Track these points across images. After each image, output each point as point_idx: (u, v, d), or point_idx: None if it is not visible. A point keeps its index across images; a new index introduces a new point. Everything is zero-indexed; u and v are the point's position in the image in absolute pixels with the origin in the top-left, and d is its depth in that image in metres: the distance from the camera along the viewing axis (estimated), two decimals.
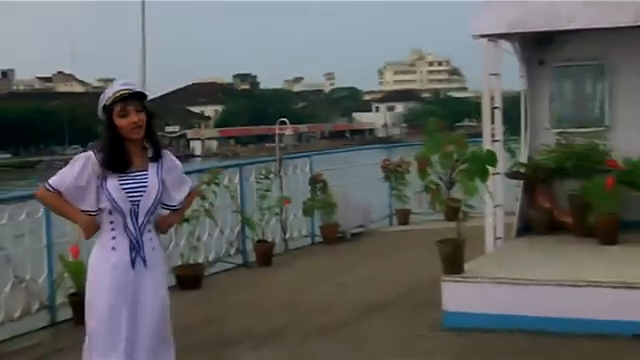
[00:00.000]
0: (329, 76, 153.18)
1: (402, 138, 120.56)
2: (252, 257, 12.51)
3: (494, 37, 9.51)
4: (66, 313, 9.64)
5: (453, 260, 7.94)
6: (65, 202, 4.96)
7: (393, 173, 15.37)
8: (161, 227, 5.19)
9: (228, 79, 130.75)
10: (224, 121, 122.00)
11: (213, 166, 12.53)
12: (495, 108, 9.85)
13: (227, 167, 12.63)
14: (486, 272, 8.07)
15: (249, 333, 8.58)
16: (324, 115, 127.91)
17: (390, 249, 13.06)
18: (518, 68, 10.54)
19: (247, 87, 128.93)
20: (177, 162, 5.17)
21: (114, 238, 4.95)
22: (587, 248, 9.06)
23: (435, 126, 7.86)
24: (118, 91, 4.87)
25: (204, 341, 8.40)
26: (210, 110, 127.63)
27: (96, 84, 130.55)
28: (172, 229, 11.19)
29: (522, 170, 10.30)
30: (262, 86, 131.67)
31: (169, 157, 5.11)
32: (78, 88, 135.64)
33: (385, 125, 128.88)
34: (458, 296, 7.92)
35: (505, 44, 10.23)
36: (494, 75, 9.75)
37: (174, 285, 11.09)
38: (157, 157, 5.01)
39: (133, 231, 4.95)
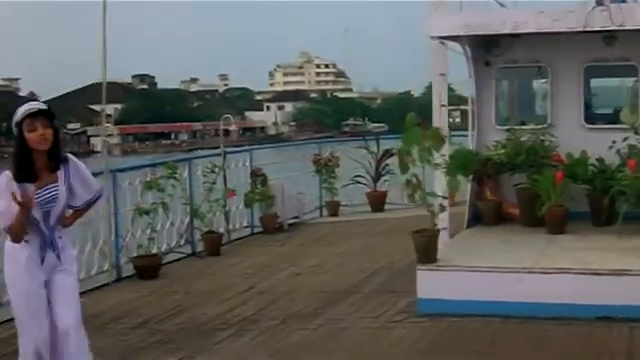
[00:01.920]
0: (223, 77, 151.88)
1: (291, 135, 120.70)
2: (199, 247, 12.13)
3: (447, 39, 9.40)
4: None
5: (427, 250, 7.76)
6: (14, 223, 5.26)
7: (324, 167, 15.14)
8: (66, 222, 5.56)
9: (127, 79, 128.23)
10: (123, 119, 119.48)
11: (167, 160, 12.04)
12: (442, 106, 9.73)
13: (178, 161, 12.12)
14: (458, 261, 7.91)
15: (224, 321, 8.25)
16: (218, 114, 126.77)
17: (330, 238, 12.84)
18: (466, 69, 10.43)
19: (145, 87, 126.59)
20: (81, 167, 5.54)
21: (27, 234, 5.34)
22: (540, 237, 9.04)
23: (412, 122, 7.64)
24: (27, 110, 5.27)
25: (181, 330, 8.04)
26: (110, 108, 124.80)
27: (1, 83, 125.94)
28: (129, 221, 10.87)
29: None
30: (160, 86, 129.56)
31: (73, 161, 5.48)
32: None
33: (275, 123, 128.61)
34: (432, 284, 7.75)
35: (452, 45, 10.14)
36: (442, 75, 9.67)
37: (132, 275, 10.66)
38: (60, 165, 5.38)
39: (46, 233, 5.39)
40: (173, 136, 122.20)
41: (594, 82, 10.33)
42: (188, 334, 7.86)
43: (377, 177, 15.52)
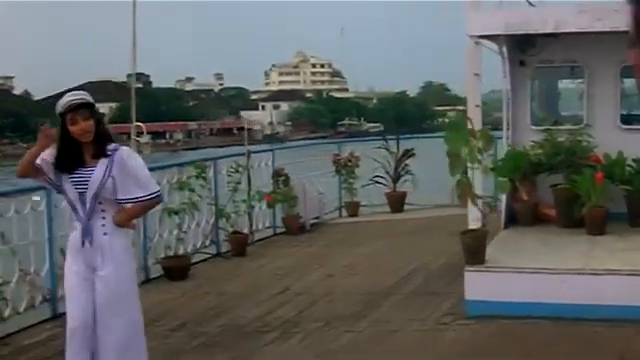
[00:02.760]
0: (219, 76, 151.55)
1: (287, 135, 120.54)
2: (224, 248, 12.03)
3: (486, 38, 9.32)
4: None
5: (476, 250, 7.68)
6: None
7: (344, 167, 15.06)
8: (117, 220, 5.47)
9: (122, 78, 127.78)
10: (117, 118, 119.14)
11: (196, 159, 11.93)
12: (477, 106, 9.65)
13: (204, 160, 12.01)
14: (506, 262, 7.84)
15: (265, 323, 8.15)
16: (213, 113, 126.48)
17: (355, 239, 12.76)
18: (501, 68, 10.35)
19: (140, 86, 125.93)
20: (129, 160, 5.44)
21: (75, 220, 5.47)
22: (582, 239, 8.97)
23: (459, 121, 7.55)
24: (67, 102, 5.30)
25: (224, 332, 7.94)
26: (105, 107, 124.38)
27: None
28: (157, 221, 10.74)
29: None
30: (155, 85, 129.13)
31: (123, 152, 5.44)
32: None
33: (271, 123, 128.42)
34: (481, 285, 7.66)
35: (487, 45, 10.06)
36: (476, 75, 9.59)
37: (160, 276, 10.56)
38: (105, 154, 5.37)
39: (83, 218, 5.39)
40: (168, 135, 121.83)
41: (629, 82, 10.27)
42: (231, 337, 7.77)
43: (397, 177, 15.44)
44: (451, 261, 10.61)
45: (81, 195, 5.36)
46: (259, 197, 12.35)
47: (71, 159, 5.35)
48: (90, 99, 5.41)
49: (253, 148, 13.28)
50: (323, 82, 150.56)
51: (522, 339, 7.18)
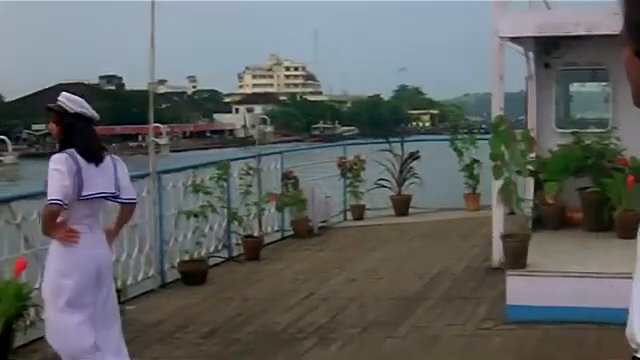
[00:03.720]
0: (192, 79, 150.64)
1: (260, 138, 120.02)
2: (236, 251, 11.85)
3: (516, 40, 9.25)
4: None
5: (518, 254, 7.58)
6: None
7: (349, 170, 14.92)
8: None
9: (95, 80, 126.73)
10: None
11: (215, 161, 11.74)
12: (501, 109, 9.59)
13: (216, 163, 11.82)
14: (548, 266, 7.74)
15: (299, 329, 7.99)
16: (186, 116, 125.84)
17: (368, 243, 12.61)
18: (525, 70, 10.29)
19: (113, 88, 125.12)
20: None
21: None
22: (615, 242, 8.89)
23: (500, 123, 7.45)
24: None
25: (259, 339, 7.76)
26: None
27: None
28: (172, 224, 10.55)
29: (532, 168, 10.05)
30: (127, 87, 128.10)
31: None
32: None
33: (244, 126, 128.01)
34: (523, 290, 7.55)
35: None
36: (501, 78, 9.53)
37: (175, 281, 10.36)
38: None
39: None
40: (140, 138, 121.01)
41: None
42: (267, 343, 7.61)
43: (402, 180, 15.32)
44: (473, 265, 10.56)
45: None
46: (259, 197, 12.15)
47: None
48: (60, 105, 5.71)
49: (263, 150, 13.09)
50: (297, 85, 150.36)
51: (572, 344, 7.09)
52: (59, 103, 5.72)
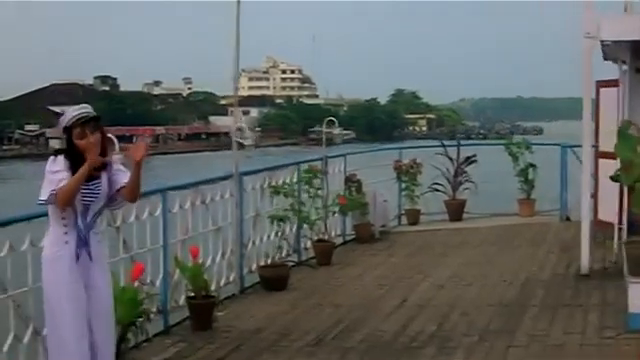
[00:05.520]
0: (187, 80, 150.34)
1: (257, 141, 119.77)
2: (304, 256, 11.67)
3: (615, 43, 9.11)
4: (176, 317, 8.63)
5: None
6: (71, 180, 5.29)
7: (406, 174, 14.75)
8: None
9: (89, 80, 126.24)
10: None
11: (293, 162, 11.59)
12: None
13: (281, 167, 11.64)
14: None
15: (411, 338, 7.79)
16: (182, 118, 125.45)
17: (437, 248, 12.47)
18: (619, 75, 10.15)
19: (107, 89, 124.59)
20: (115, 166, 5.53)
21: (66, 233, 5.34)
22: None
23: (628, 126, 7.29)
24: (76, 116, 5.32)
25: (373, 348, 7.54)
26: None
27: None
28: (250, 229, 10.35)
29: None
30: (122, 88, 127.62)
31: (112, 164, 5.50)
32: None
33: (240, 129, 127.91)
34: None
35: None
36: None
37: (253, 286, 10.15)
38: (106, 167, 5.45)
39: (82, 229, 5.35)
40: (135, 140, 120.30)
41: None
42: (384, 352, 7.40)
43: (457, 185, 15.17)
44: (558, 272, 10.42)
45: (85, 207, 5.36)
46: (327, 200, 11.99)
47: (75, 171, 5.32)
48: (95, 113, 5.46)
49: (329, 152, 12.86)
50: (293, 88, 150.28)
51: None
52: (91, 112, 5.41)
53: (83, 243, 5.35)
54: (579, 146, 14.58)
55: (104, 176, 5.45)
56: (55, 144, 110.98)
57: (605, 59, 11.08)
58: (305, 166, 11.99)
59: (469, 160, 15.17)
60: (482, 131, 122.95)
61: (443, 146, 15.62)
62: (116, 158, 5.63)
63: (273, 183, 10.91)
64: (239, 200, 9.97)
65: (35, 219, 6.92)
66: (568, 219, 14.39)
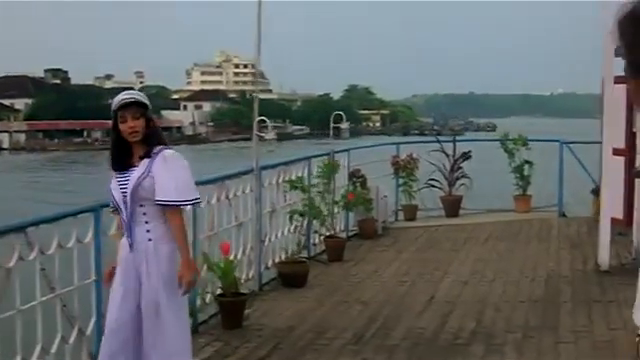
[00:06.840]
0: (139, 74, 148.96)
1: (208, 136, 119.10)
2: (313, 251, 11.57)
3: None
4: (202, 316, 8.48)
5: None
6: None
7: (403, 169, 14.71)
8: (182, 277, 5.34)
9: (40, 73, 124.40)
10: (34, 114, 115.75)
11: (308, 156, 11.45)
12: None
13: (294, 162, 11.51)
14: None
15: (453, 335, 7.73)
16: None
17: (444, 244, 12.42)
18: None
19: (58, 82, 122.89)
20: (170, 161, 5.29)
21: (124, 221, 5.37)
22: None
23: None
24: (119, 100, 5.27)
25: (416, 346, 7.46)
26: (20, 103, 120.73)
27: None
28: (267, 223, 10.21)
29: None
30: (73, 82, 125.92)
31: (163, 155, 5.28)
32: None
33: (193, 123, 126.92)
34: None
35: None
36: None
37: (270, 282, 10.03)
38: (149, 155, 5.27)
39: (125, 219, 5.33)
40: (85, 134, 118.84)
41: None
42: (431, 350, 7.32)
43: (453, 181, 15.17)
44: (576, 267, 10.47)
45: (124, 196, 5.31)
46: (335, 195, 11.91)
47: (120, 158, 5.34)
48: (143, 99, 5.37)
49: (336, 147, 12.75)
50: (246, 82, 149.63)
51: None
52: (135, 97, 5.31)
53: (129, 233, 5.32)
54: (576, 142, 14.87)
55: (142, 165, 5.27)
56: (4, 138, 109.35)
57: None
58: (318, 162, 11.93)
59: (465, 156, 15.16)
60: (436, 127, 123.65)
61: (439, 142, 15.61)
62: (167, 153, 5.35)
63: (287, 178, 10.80)
64: (258, 195, 9.84)
65: (80, 215, 6.80)
66: (564, 215, 14.52)
